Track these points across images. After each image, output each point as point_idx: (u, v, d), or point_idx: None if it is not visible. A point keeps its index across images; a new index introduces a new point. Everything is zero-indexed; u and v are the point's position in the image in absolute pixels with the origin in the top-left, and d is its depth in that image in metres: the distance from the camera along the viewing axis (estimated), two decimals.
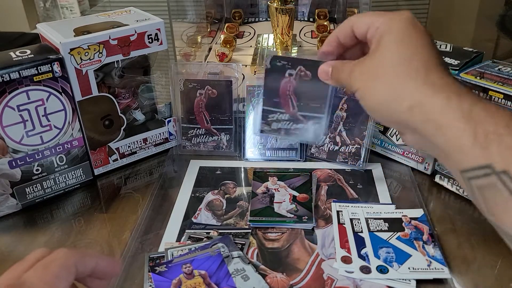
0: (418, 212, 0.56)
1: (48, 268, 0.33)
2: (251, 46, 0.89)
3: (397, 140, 0.66)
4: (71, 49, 0.57)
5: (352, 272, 0.49)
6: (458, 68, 0.57)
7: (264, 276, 0.49)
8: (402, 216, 0.56)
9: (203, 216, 0.58)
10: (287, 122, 0.53)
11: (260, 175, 0.65)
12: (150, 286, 0.48)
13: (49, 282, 0.32)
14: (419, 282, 0.47)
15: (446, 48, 0.61)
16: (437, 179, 0.63)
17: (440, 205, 0.60)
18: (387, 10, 0.76)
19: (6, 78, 0.53)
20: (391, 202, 0.59)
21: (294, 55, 0.50)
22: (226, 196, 0.62)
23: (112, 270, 0.38)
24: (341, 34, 0.45)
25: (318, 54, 0.48)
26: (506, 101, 0.51)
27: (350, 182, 0.64)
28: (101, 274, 0.37)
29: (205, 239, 0.54)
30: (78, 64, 0.59)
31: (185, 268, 0.49)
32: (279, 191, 0.61)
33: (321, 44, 0.83)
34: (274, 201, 0.59)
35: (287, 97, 0.52)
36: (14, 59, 0.55)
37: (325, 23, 0.93)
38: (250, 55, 0.85)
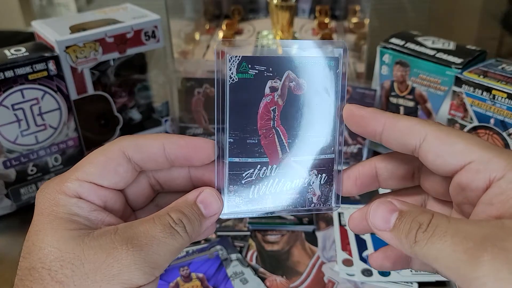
0: None
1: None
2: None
3: None
4: (67, 47, 0.56)
5: (353, 275, 0.48)
6: (461, 66, 0.56)
7: (263, 279, 0.48)
8: None
9: None
10: (275, 180, 0.30)
11: None
12: None
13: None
14: (421, 284, 0.47)
15: (449, 46, 0.60)
16: None
17: None
18: (390, 7, 0.75)
19: (0, 77, 0.52)
20: None
21: (271, 48, 0.30)
22: None
23: (189, 151, 0.28)
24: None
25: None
26: (510, 100, 0.50)
27: None
28: (181, 160, 0.28)
29: (203, 241, 0.53)
30: (74, 62, 0.57)
31: (183, 271, 0.48)
32: None
33: None
34: None
35: (271, 133, 0.29)
36: (8, 57, 0.54)
37: (326, 21, 0.92)
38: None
